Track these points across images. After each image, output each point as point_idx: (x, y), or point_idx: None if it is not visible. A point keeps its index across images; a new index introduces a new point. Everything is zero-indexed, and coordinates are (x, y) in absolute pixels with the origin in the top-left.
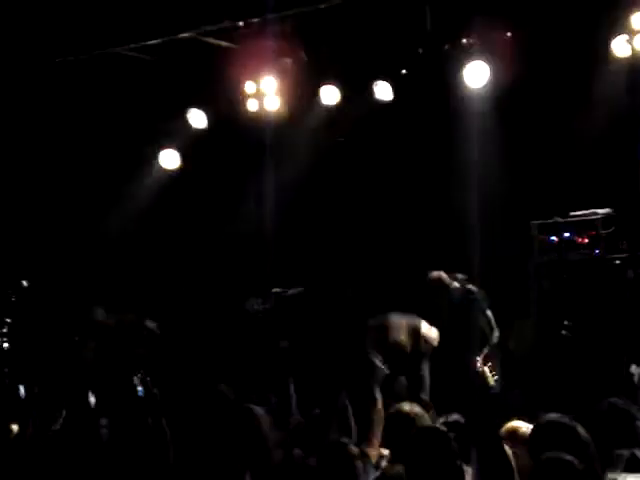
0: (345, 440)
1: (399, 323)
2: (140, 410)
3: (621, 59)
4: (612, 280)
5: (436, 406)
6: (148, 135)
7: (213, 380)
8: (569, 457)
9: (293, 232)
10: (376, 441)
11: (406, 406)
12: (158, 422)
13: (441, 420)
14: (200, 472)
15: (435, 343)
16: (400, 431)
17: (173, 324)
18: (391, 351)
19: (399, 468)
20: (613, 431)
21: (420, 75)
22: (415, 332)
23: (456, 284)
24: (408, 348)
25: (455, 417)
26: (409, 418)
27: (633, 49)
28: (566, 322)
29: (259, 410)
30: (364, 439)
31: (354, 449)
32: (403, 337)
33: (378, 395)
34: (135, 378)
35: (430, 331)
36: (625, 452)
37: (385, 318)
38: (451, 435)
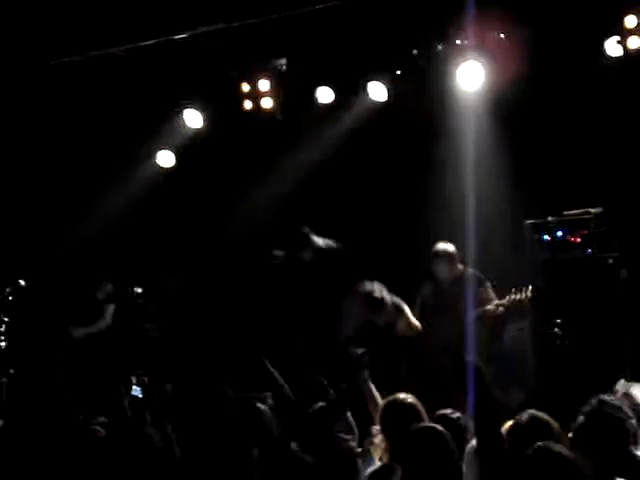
0: (347, 437)
1: (386, 295)
2: (137, 409)
3: (614, 60)
4: (605, 279)
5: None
6: (143, 135)
7: (213, 377)
8: (559, 447)
9: (289, 231)
10: (377, 434)
11: (402, 396)
12: (158, 419)
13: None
14: (206, 466)
15: (414, 329)
16: (398, 422)
17: (169, 324)
18: (371, 315)
19: (394, 464)
20: (604, 430)
21: (414, 76)
22: (399, 310)
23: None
24: (386, 322)
25: (449, 413)
26: (407, 408)
27: (625, 50)
28: (558, 320)
29: (261, 405)
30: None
31: (356, 446)
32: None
33: (372, 386)
34: (133, 378)
35: (413, 318)
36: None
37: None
38: (448, 435)
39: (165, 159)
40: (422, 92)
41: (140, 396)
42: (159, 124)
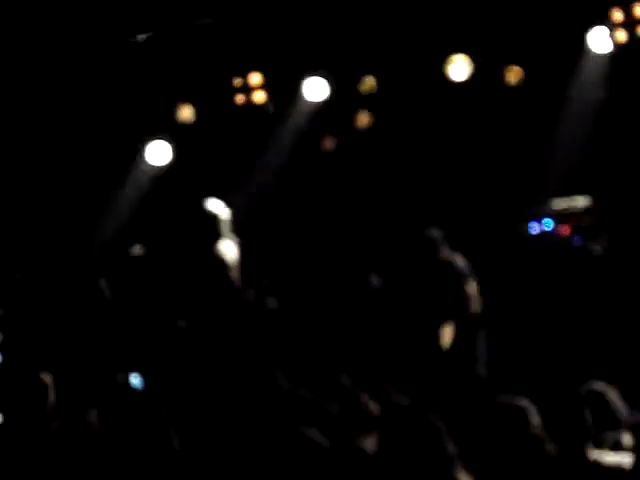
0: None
1: None
2: (131, 402)
3: (601, 51)
4: (592, 269)
5: None
6: (137, 130)
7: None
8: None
9: (284, 225)
10: None
11: None
12: (154, 412)
13: None
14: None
15: None
16: None
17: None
18: None
19: None
20: (593, 415)
21: (406, 68)
22: None
23: None
24: None
25: None
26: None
27: (613, 41)
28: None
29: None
30: None
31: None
32: None
33: None
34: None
35: None
36: (610, 435)
37: None
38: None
39: (159, 154)
40: (413, 84)
41: (139, 388)
42: (151, 119)
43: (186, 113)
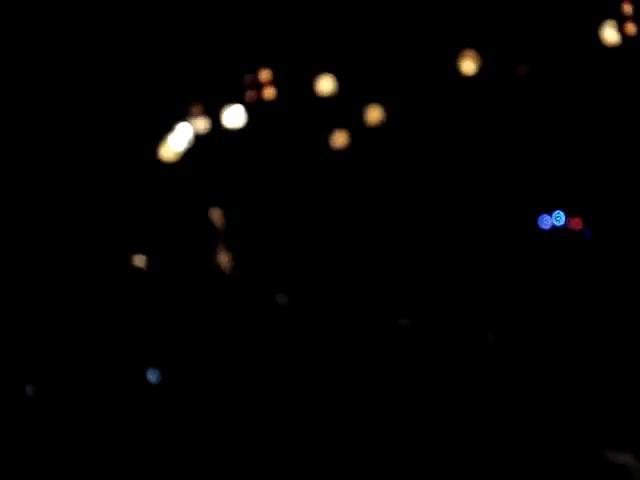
0: None
1: None
2: None
3: (610, 47)
4: (606, 262)
5: None
6: (147, 129)
7: None
8: None
9: (297, 224)
10: None
11: None
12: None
13: None
14: None
15: None
16: None
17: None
18: None
19: None
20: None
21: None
22: None
23: None
24: None
25: None
26: None
27: (623, 37)
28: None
29: None
30: None
31: None
32: None
33: None
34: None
35: None
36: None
37: None
38: None
39: (170, 152)
40: (421, 84)
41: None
42: (163, 118)
43: (197, 111)
